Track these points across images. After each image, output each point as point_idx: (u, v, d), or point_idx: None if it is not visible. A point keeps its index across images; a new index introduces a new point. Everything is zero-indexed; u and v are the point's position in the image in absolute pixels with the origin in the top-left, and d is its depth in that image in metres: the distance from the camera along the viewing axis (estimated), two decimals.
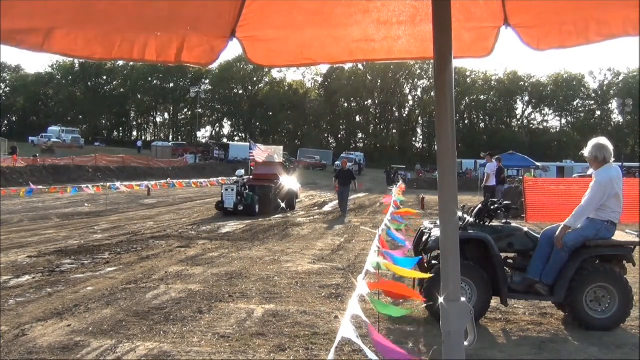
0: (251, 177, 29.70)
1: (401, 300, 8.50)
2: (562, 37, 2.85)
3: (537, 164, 45.94)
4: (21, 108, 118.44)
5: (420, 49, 3.23)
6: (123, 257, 13.55)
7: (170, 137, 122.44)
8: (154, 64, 2.92)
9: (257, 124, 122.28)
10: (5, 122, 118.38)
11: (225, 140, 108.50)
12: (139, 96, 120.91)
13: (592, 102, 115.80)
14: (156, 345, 7.04)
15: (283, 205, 28.22)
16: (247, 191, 25.61)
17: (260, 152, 31.56)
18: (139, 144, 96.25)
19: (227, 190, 25.23)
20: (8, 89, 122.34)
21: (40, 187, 32.42)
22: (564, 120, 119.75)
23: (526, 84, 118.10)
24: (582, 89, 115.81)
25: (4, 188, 28.41)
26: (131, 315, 8.40)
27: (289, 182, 29.95)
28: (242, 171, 27.35)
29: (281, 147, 36.45)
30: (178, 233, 18.10)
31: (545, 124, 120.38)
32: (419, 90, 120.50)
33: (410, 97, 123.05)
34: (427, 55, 3.01)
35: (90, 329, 7.72)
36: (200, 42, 2.89)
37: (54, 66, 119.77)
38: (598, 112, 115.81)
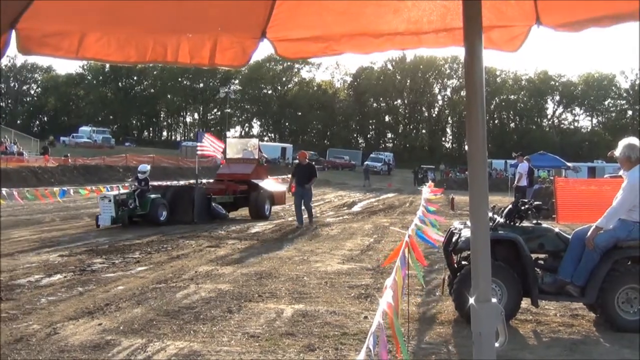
0: (212, 180, 25.66)
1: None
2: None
3: (568, 164, 45.60)
4: (52, 108, 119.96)
5: (450, 41, 3.22)
6: (153, 257, 13.64)
7: None
8: (188, 66, 2.92)
9: (287, 123, 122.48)
10: (37, 122, 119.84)
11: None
12: (169, 96, 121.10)
13: (624, 101, 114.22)
14: (186, 345, 7.08)
15: (223, 212, 22.79)
16: (149, 194, 20.16)
17: (209, 147, 24.25)
18: (183, 144, 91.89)
19: (102, 200, 19.41)
20: (39, 89, 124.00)
21: (50, 186, 32.71)
22: (595, 120, 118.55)
23: (557, 84, 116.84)
24: (614, 88, 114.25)
25: (36, 188, 28.74)
26: (161, 315, 8.45)
27: (266, 184, 24.30)
28: (147, 166, 21.48)
29: (256, 141, 28.61)
30: (207, 233, 18.17)
31: (576, 124, 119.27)
32: (449, 90, 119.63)
33: (439, 97, 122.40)
34: (457, 43, 3.00)
35: (121, 327, 7.78)
36: (232, 44, 2.91)
37: (85, 67, 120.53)
38: (630, 112, 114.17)
